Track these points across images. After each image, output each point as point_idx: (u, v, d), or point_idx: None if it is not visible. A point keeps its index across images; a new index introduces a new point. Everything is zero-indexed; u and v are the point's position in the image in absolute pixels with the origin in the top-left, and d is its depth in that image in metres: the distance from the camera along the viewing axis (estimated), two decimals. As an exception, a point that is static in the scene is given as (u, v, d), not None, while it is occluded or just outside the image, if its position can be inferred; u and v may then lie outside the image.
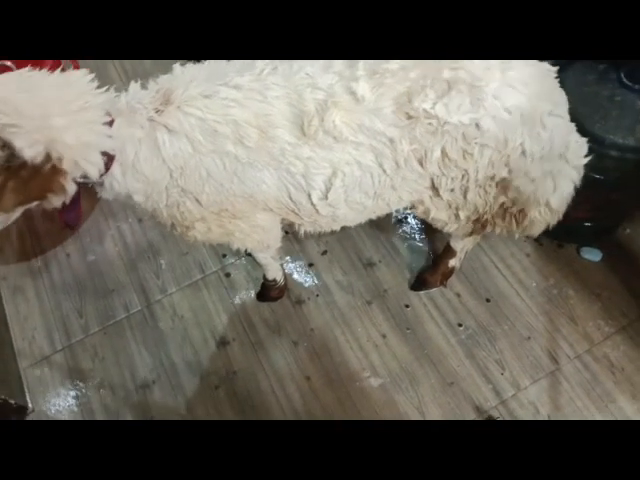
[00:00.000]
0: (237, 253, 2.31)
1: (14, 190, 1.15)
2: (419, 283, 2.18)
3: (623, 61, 1.76)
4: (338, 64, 1.33)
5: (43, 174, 1.15)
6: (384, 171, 1.37)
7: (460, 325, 2.11)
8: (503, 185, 1.44)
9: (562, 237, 2.26)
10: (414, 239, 2.33)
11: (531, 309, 2.12)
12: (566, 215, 2.09)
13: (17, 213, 1.24)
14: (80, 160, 1.17)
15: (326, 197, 1.41)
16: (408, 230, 2.36)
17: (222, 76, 1.32)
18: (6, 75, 1.13)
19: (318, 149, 1.33)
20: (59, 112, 1.12)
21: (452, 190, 1.45)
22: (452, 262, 2.09)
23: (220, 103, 1.29)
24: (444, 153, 1.33)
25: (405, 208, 1.62)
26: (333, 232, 1.72)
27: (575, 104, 1.75)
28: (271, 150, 1.32)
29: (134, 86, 1.32)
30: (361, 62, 1.31)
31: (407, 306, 2.17)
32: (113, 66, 2.95)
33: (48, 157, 1.12)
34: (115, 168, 1.27)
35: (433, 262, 2.18)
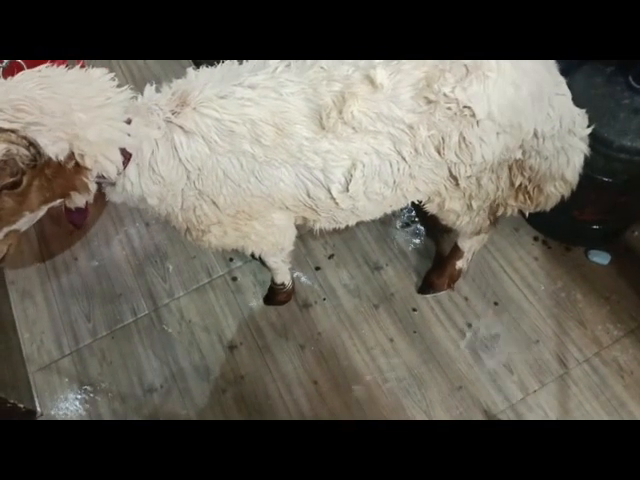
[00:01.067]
0: (244, 257, 2.31)
1: (40, 188, 1.15)
2: (426, 286, 2.18)
3: (631, 64, 1.75)
4: (347, 66, 1.33)
5: (67, 172, 1.15)
6: (403, 158, 1.37)
7: (468, 328, 2.10)
8: (518, 165, 1.47)
9: (570, 240, 2.25)
10: (421, 242, 2.33)
11: (539, 312, 2.12)
12: (574, 217, 2.10)
13: (42, 212, 1.24)
14: (100, 157, 1.17)
15: (347, 189, 1.40)
16: (415, 233, 2.35)
17: (236, 77, 1.33)
18: (24, 73, 1.13)
19: (337, 141, 1.33)
20: (80, 108, 1.12)
21: (469, 177, 1.46)
22: (459, 263, 2.08)
23: (236, 103, 1.29)
24: (462, 138, 1.33)
25: (420, 201, 1.62)
26: (347, 229, 1.72)
27: (583, 107, 1.76)
28: (289, 147, 1.32)
29: (149, 89, 1.32)
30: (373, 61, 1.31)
31: (414, 310, 2.16)
32: (120, 70, 2.96)
33: (71, 154, 1.13)
34: (131, 168, 1.27)
35: (440, 264, 2.17)
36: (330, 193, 1.42)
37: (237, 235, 1.54)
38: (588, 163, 1.78)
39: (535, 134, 1.39)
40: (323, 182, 1.39)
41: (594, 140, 1.74)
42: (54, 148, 1.09)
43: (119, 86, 1.23)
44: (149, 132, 1.25)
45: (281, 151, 1.32)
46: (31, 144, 1.06)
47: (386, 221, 2.36)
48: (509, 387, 1.98)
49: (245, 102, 1.29)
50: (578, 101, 1.77)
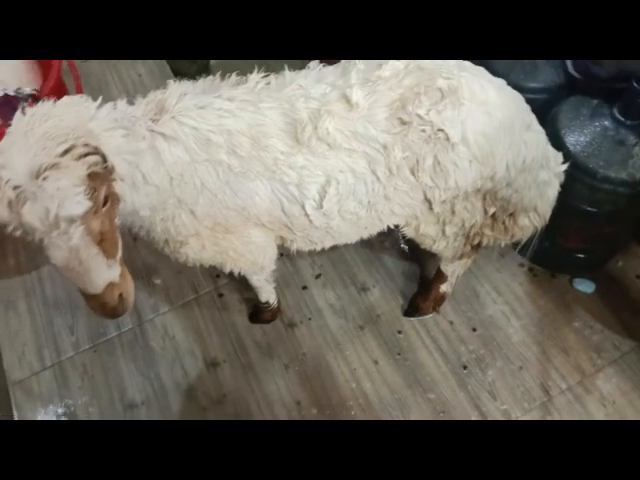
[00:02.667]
0: (231, 274, 2.30)
1: (113, 199, 1.16)
2: (412, 309, 2.18)
3: (617, 96, 1.79)
4: (330, 75, 1.38)
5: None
6: (377, 178, 1.39)
7: (453, 353, 2.10)
8: (491, 195, 1.49)
9: (555, 267, 2.27)
10: (408, 265, 2.34)
11: (523, 339, 2.12)
12: (559, 245, 2.12)
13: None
14: (119, 164, 1.17)
15: (321, 206, 1.42)
16: (402, 256, 2.36)
17: (216, 89, 1.36)
18: (18, 127, 1.10)
19: (312, 157, 1.35)
20: (110, 135, 1.16)
21: (444, 202, 1.47)
22: (443, 287, 2.09)
23: (214, 113, 1.32)
24: (436, 161, 1.35)
25: (396, 226, 1.63)
26: (324, 251, 1.73)
27: (570, 137, 1.79)
28: (264, 160, 1.34)
29: (121, 103, 1.31)
30: (353, 71, 1.35)
31: (400, 332, 2.16)
32: (115, 85, 2.99)
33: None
34: (125, 186, 1.25)
35: (425, 287, 2.18)
36: (304, 209, 1.42)
37: (215, 250, 1.54)
38: (573, 193, 1.81)
39: (507, 167, 1.41)
40: (298, 198, 1.40)
41: (579, 170, 1.78)
42: (110, 162, 1.10)
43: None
44: (137, 146, 1.25)
45: (256, 163, 1.34)
46: (96, 148, 1.07)
47: (374, 243, 2.37)
48: (492, 413, 1.97)
49: (223, 113, 1.32)
50: (564, 131, 1.81)
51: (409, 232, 1.67)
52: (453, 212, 1.52)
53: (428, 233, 1.64)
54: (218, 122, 1.31)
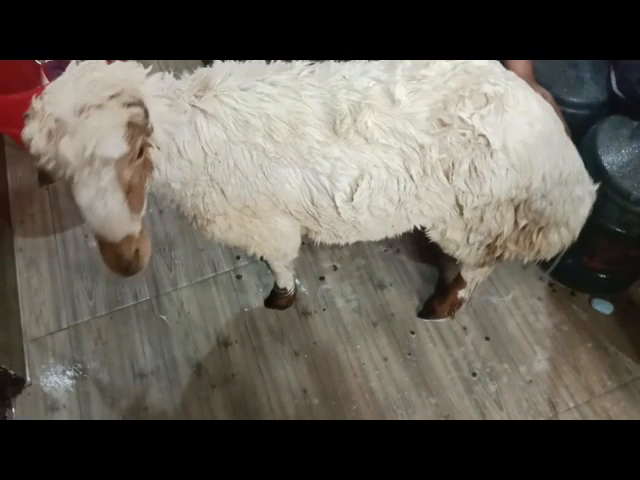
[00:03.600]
0: (251, 257, 2.32)
1: (146, 159, 1.17)
2: (427, 311, 2.18)
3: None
4: (375, 69, 1.37)
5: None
6: (411, 177, 1.38)
7: (463, 358, 2.10)
8: (525, 207, 1.47)
9: (576, 285, 2.26)
10: (427, 267, 2.34)
11: (536, 353, 2.12)
12: (583, 263, 2.11)
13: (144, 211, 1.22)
14: (157, 130, 1.18)
15: (351, 199, 1.42)
16: (422, 257, 2.36)
17: (260, 73, 1.36)
18: (75, 68, 1.12)
19: (347, 149, 1.35)
20: (152, 95, 1.18)
21: (475, 208, 1.46)
22: (461, 293, 2.09)
23: (255, 96, 1.32)
24: (473, 167, 1.35)
25: (423, 227, 1.62)
26: (347, 245, 1.72)
27: (606, 156, 1.77)
28: (299, 147, 1.34)
29: (168, 76, 1.32)
30: (399, 68, 1.34)
31: (412, 332, 2.17)
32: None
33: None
34: (160, 156, 1.27)
35: (443, 291, 2.18)
36: (334, 201, 1.43)
37: (241, 232, 1.55)
38: (604, 212, 1.80)
39: (543, 178, 1.40)
40: (328, 189, 1.40)
41: (612, 190, 1.77)
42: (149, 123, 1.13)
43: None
44: (178, 118, 1.27)
45: (291, 150, 1.35)
46: (140, 101, 1.09)
47: (395, 242, 2.37)
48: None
49: (264, 97, 1.33)
50: (602, 150, 1.80)
51: (434, 235, 1.66)
52: (482, 220, 1.51)
53: (453, 238, 1.63)
54: (258, 105, 1.32)
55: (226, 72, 1.34)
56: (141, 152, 1.11)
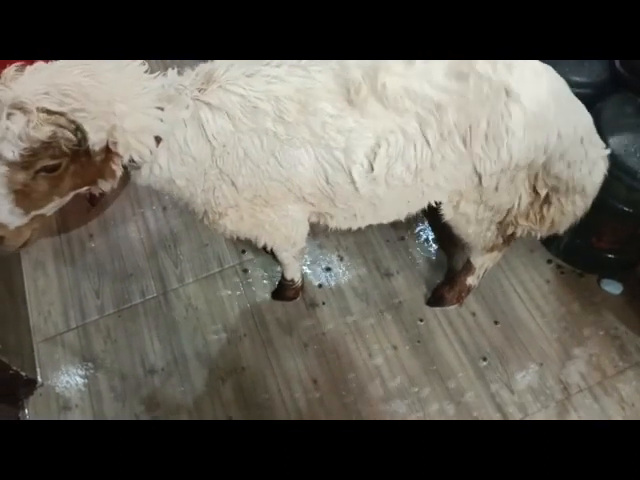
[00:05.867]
0: (256, 249, 2.32)
1: (73, 174, 1.18)
2: (435, 299, 2.18)
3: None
4: None
5: (99, 159, 1.18)
6: (427, 142, 1.36)
7: (473, 344, 2.10)
8: (543, 173, 1.47)
9: (584, 266, 2.25)
10: (434, 254, 2.33)
11: (546, 336, 2.11)
12: (591, 244, 2.10)
13: (69, 197, 1.26)
14: (134, 144, 1.19)
15: (371, 169, 1.40)
16: (429, 244, 2.35)
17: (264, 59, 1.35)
18: (69, 61, 1.14)
19: (362, 119, 1.33)
20: (121, 98, 1.14)
21: (492, 175, 1.44)
22: (470, 280, 2.08)
23: (262, 80, 1.31)
24: (489, 128, 1.33)
25: (437, 203, 1.61)
26: (353, 234, 1.70)
27: (612, 135, 1.76)
28: (312, 124, 1.33)
29: (171, 72, 1.33)
30: None
31: (421, 320, 2.16)
32: None
33: (105, 143, 1.15)
34: (160, 153, 1.29)
35: (451, 278, 2.17)
36: (350, 176, 1.41)
37: (252, 222, 1.55)
38: (611, 191, 1.78)
39: (559, 135, 1.39)
40: (344, 164, 1.38)
41: (619, 169, 1.75)
42: (94, 137, 1.11)
43: (150, 72, 1.25)
44: (180, 115, 1.26)
45: (304, 129, 1.33)
46: (78, 129, 1.08)
47: (400, 230, 2.36)
48: (508, 407, 1.97)
49: (271, 79, 1.31)
50: (607, 128, 1.77)
51: (447, 211, 1.64)
52: (496, 189, 1.49)
53: (466, 212, 1.61)
54: (266, 88, 1.31)
55: (228, 63, 1.33)
56: (55, 168, 1.13)
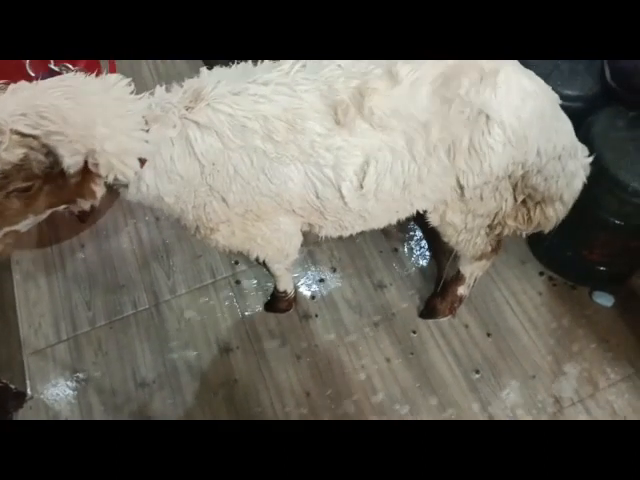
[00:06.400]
0: (249, 261, 2.31)
1: (48, 194, 1.17)
2: (428, 311, 2.18)
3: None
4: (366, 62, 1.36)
5: (77, 180, 1.17)
6: (414, 158, 1.38)
7: (466, 356, 2.09)
8: (521, 184, 1.50)
9: (576, 278, 2.25)
10: (427, 265, 2.33)
11: (538, 348, 2.11)
12: (582, 256, 2.10)
13: (45, 215, 1.25)
14: (117, 165, 1.18)
15: (360, 186, 1.41)
16: (421, 256, 2.35)
17: (250, 75, 1.35)
18: (50, 80, 1.14)
19: (350, 137, 1.35)
20: (102, 121, 1.13)
21: (475, 188, 1.47)
22: (461, 289, 2.09)
23: (249, 99, 1.31)
24: (471, 144, 1.36)
25: (424, 210, 1.62)
26: (353, 242, 1.70)
27: (602, 148, 1.77)
28: (301, 143, 1.33)
29: (159, 89, 1.33)
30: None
31: (414, 332, 2.16)
32: (147, 67, 2.99)
33: (85, 164, 1.14)
34: (146, 171, 1.28)
35: (443, 289, 2.17)
36: (340, 192, 1.42)
37: (244, 237, 1.55)
38: (602, 204, 1.79)
39: (538, 152, 1.42)
40: (333, 180, 1.40)
41: (610, 182, 1.76)
42: (70, 160, 1.11)
43: (136, 92, 1.25)
44: (166, 134, 1.26)
45: (292, 147, 1.34)
46: (50, 152, 1.08)
47: (393, 241, 2.37)
48: (501, 419, 1.96)
49: (258, 98, 1.31)
50: (597, 141, 1.79)
51: (434, 219, 1.66)
52: (481, 199, 1.52)
53: (453, 222, 1.64)
54: (253, 107, 1.31)
55: (215, 80, 1.33)
56: (28, 189, 1.12)
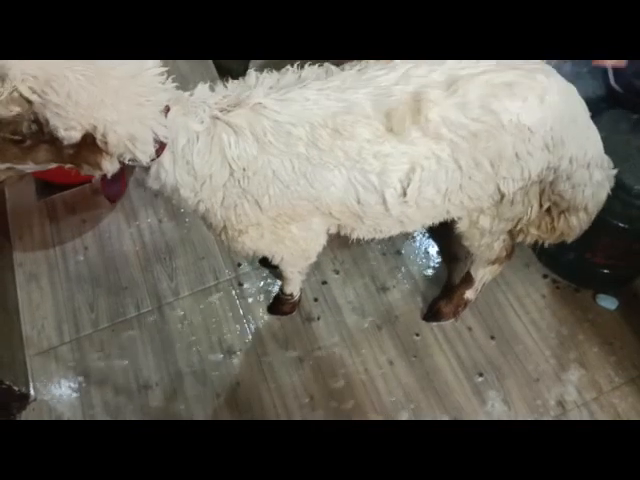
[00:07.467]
0: (252, 263, 2.32)
1: (48, 151, 1.16)
2: (433, 314, 2.17)
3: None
4: (422, 68, 1.34)
5: (80, 148, 1.15)
6: (459, 167, 1.37)
7: (470, 359, 2.09)
8: (549, 189, 1.51)
9: (580, 281, 2.25)
10: (431, 268, 2.33)
11: (542, 351, 2.10)
12: (586, 259, 2.10)
13: (50, 166, 1.23)
14: (129, 147, 1.17)
15: (404, 194, 1.40)
16: (425, 258, 2.35)
17: (301, 81, 1.34)
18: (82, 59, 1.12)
19: (399, 145, 1.32)
20: (112, 105, 1.12)
21: (515, 193, 1.47)
22: (468, 293, 2.08)
23: (297, 105, 1.29)
24: (514, 152, 1.36)
25: (459, 217, 1.63)
26: (349, 248, 1.69)
27: (606, 151, 1.76)
28: (348, 150, 1.31)
29: (203, 86, 1.32)
30: (447, 64, 1.33)
31: (417, 335, 2.15)
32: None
33: (87, 138, 1.12)
34: (165, 156, 1.26)
35: (448, 292, 2.17)
36: (383, 198, 1.40)
37: (273, 239, 1.53)
38: (606, 207, 1.79)
39: (570, 158, 1.42)
40: (377, 186, 1.38)
41: (614, 184, 1.75)
42: (64, 133, 1.09)
43: (167, 81, 1.23)
44: (188, 123, 1.25)
45: (339, 153, 1.31)
46: (36, 121, 1.07)
47: (397, 243, 2.36)
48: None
49: (307, 104, 1.29)
50: (602, 144, 1.78)
51: (464, 225, 1.66)
52: (512, 203, 1.52)
53: (483, 226, 1.63)
54: (301, 114, 1.29)
55: (263, 85, 1.32)
56: (20, 141, 1.11)
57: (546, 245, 1.73)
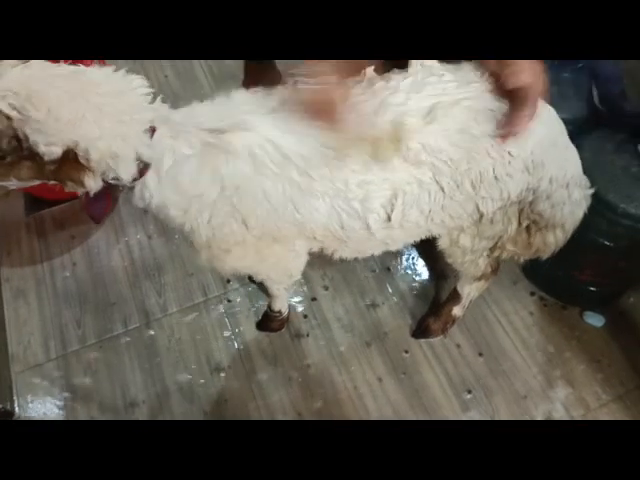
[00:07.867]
0: (241, 279, 2.31)
1: (30, 168, 1.16)
2: (421, 330, 2.17)
3: (641, 133, 1.80)
4: (399, 96, 1.33)
5: (62, 164, 1.14)
6: (441, 189, 1.38)
7: (458, 376, 2.09)
8: (527, 209, 1.53)
9: (567, 299, 2.27)
10: (420, 285, 2.34)
11: (530, 368, 2.11)
12: (573, 277, 2.12)
13: (34, 183, 1.22)
14: (111, 163, 1.17)
15: (388, 219, 1.41)
16: (415, 275, 2.36)
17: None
18: (66, 68, 1.13)
19: (381, 172, 1.33)
20: (94, 122, 1.12)
21: (495, 212, 1.49)
22: (456, 310, 2.09)
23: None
24: (494, 174, 1.37)
25: (435, 236, 1.63)
26: (338, 266, 1.70)
27: (591, 171, 1.79)
28: (335, 180, 1.32)
29: (192, 106, 1.32)
30: (429, 88, 1.32)
31: (406, 352, 2.16)
32: (200, 67, 2.89)
33: (69, 153, 1.12)
34: (149, 176, 1.26)
35: (436, 309, 2.18)
36: (367, 224, 1.41)
37: (256, 259, 1.53)
38: (592, 226, 1.81)
39: (550, 179, 1.44)
40: (360, 213, 1.39)
41: (600, 203, 1.78)
42: (45, 149, 1.09)
43: (152, 100, 1.24)
44: (175, 146, 1.25)
45: (326, 184, 1.33)
46: (15, 137, 1.07)
47: (386, 260, 2.37)
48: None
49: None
50: (587, 164, 1.81)
51: (444, 243, 1.67)
52: (492, 222, 1.54)
53: (464, 245, 1.64)
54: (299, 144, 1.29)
55: (261, 116, 1.31)
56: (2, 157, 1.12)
57: (521, 261, 1.75)
